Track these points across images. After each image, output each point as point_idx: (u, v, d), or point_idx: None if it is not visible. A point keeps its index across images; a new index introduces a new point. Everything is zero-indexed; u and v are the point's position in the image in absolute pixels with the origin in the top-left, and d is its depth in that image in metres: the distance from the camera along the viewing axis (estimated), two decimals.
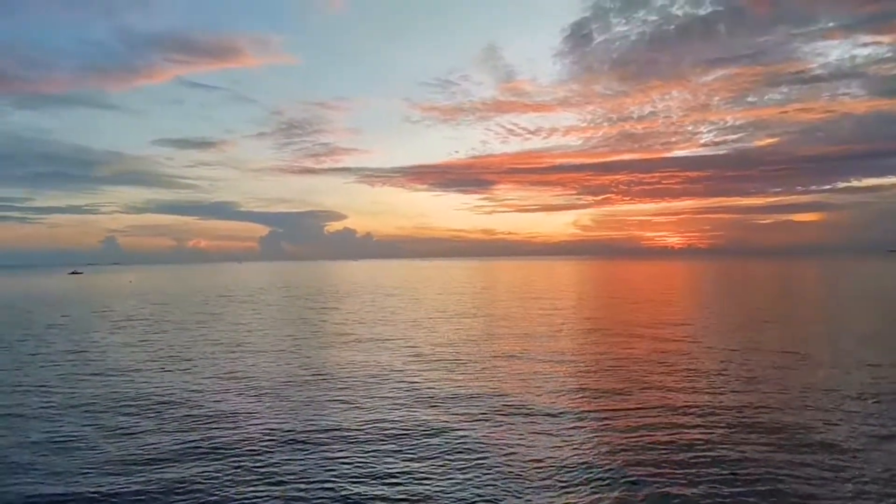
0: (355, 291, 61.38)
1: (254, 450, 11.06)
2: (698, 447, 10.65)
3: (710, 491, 8.95)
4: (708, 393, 14.68)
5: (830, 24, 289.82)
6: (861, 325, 27.47)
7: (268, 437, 11.79)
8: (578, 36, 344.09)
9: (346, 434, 11.97)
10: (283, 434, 12.03)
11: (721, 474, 9.49)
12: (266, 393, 15.70)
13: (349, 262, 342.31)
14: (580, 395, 14.80)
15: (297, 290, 67.60)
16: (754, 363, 18.36)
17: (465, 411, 13.36)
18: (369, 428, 12.30)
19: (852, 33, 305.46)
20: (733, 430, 11.67)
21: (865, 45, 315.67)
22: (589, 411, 13.36)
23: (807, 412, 12.88)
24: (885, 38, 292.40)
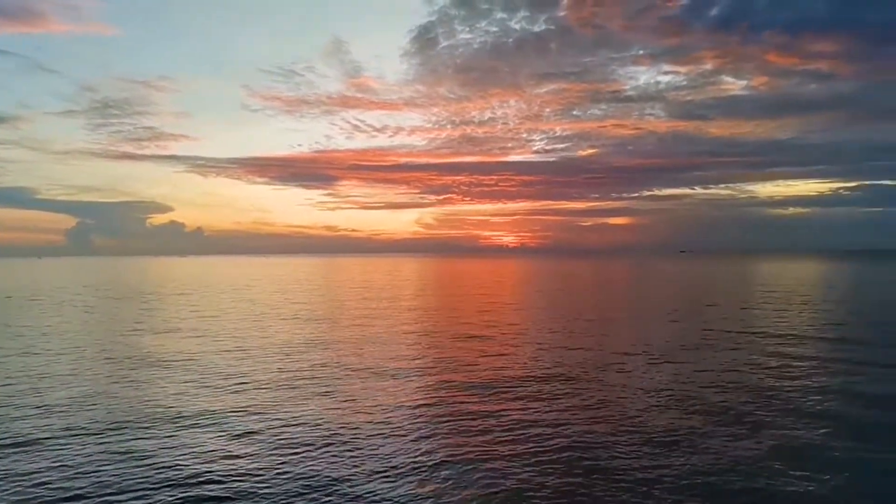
0: (178, 290, 53.15)
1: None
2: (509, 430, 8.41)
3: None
4: (521, 379, 12.78)
5: (640, 52, 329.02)
6: (661, 312, 28.74)
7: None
8: (425, 38, 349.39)
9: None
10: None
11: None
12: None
13: (175, 259, 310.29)
14: (390, 385, 11.93)
15: (104, 289, 56.93)
16: (567, 352, 17.23)
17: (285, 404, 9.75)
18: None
19: (657, 62, 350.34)
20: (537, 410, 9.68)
21: (667, 73, 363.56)
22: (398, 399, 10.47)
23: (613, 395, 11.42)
24: (682, 69, 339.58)
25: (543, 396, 13.84)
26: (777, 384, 14.84)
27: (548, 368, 17.03)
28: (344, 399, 13.70)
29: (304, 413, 12.55)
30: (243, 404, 13.25)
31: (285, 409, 12.81)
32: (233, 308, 35.99)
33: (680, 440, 10.64)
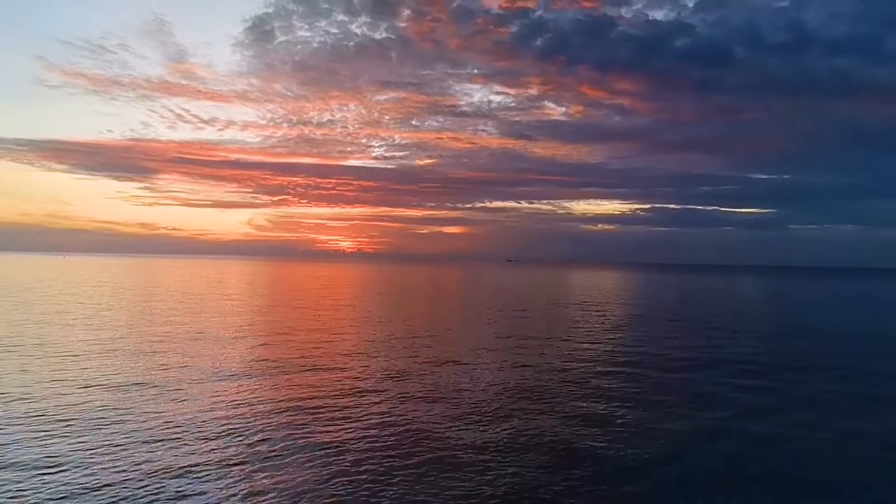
0: None
1: None
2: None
3: None
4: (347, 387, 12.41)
5: (475, 71, 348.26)
6: (482, 314, 30.46)
7: None
8: (260, 31, 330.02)
9: None
10: None
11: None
12: None
13: None
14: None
15: None
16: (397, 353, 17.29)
17: None
18: None
19: (489, 82, 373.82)
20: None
21: (498, 93, 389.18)
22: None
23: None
24: (512, 91, 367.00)
25: (344, 407, 13.84)
26: (545, 383, 16.60)
27: (358, 373, 17.09)
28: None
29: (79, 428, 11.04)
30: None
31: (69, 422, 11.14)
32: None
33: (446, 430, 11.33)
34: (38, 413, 12.03)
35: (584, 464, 9.90)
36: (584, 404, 13.76)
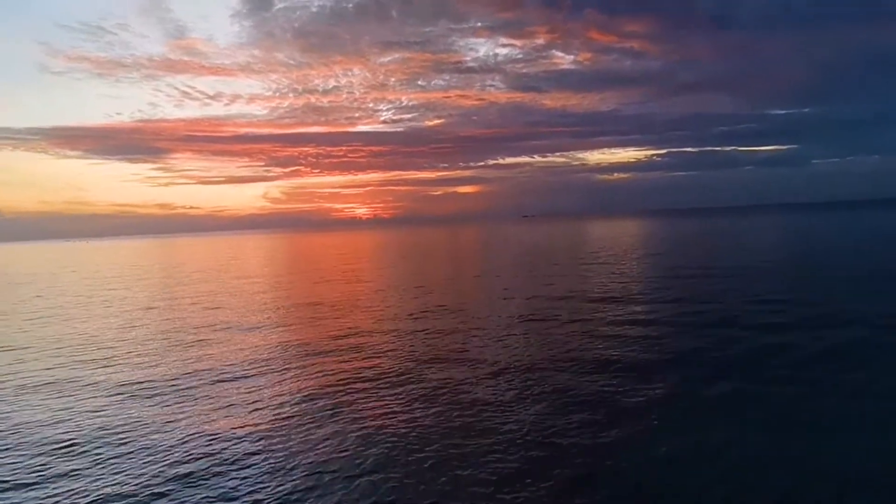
0: None
1: None
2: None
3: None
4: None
5: (479, 24, 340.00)
6: (505, 273, 30.56)
7: None
8: None
9: None
10: None
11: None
12: None
13: None
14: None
15: None
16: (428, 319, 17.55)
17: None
18: None
19: (494, 34, 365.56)
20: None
21: (504, 45, 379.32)
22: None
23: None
24: (518, 42, 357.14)
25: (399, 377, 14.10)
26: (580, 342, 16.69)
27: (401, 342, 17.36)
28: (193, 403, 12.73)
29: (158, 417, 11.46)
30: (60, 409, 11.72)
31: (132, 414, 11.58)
32: (27, 304, 31.37)
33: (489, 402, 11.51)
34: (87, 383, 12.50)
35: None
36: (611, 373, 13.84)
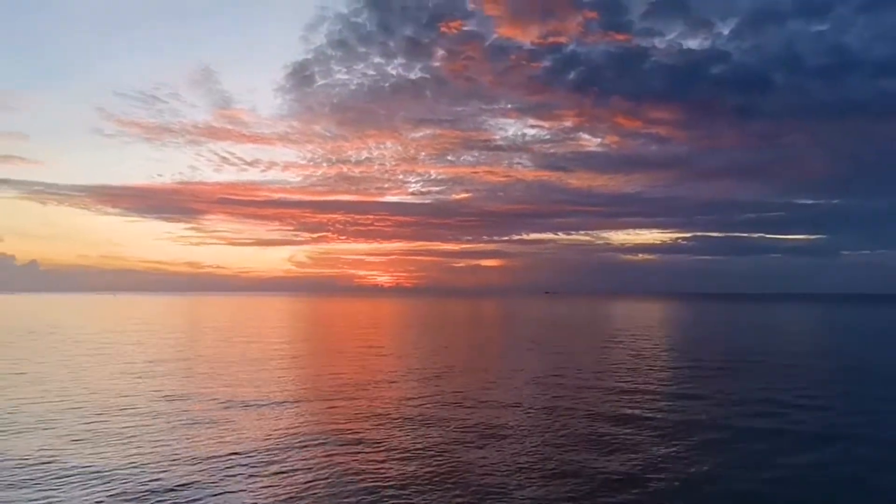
0: None
1: None
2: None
3: None
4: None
5: (509, 106, 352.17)
6: (526, 345, 30.05)
7: None
8: (300, 75, 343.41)
9: None
10: None
11: None
12: None
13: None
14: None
15: None
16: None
17: None
18: None
19: (523, 116, 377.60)
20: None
21: (532, 126, 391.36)
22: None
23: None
24: (546, 124, 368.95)
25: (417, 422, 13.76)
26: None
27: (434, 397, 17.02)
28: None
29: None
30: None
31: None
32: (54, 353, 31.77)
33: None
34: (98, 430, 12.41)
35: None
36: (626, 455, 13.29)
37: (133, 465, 11.33)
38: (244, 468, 11.13)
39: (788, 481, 10.67)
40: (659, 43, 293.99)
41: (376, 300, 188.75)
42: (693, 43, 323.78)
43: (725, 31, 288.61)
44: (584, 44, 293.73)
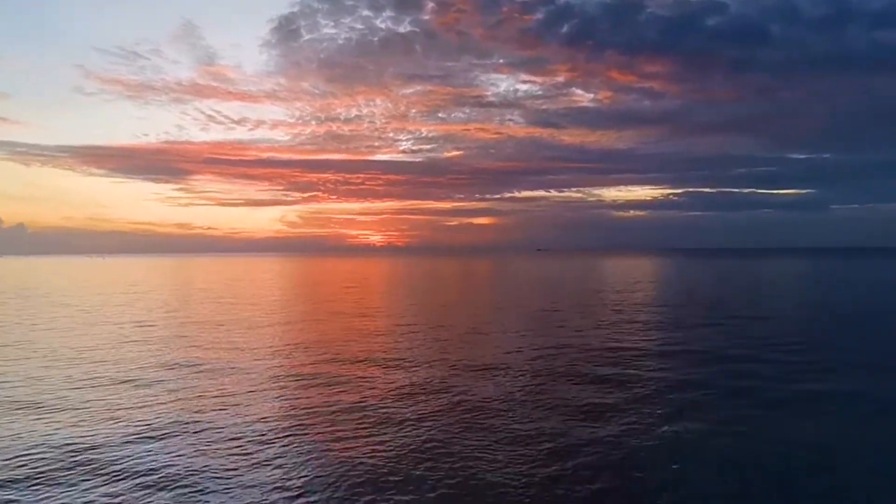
0: None
1: None
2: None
3: None
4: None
5: (500, 61, 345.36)
6: (523, 303, 29.86)
7: None
8: (286, 30, 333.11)
9: None
10: None
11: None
12: None
13: None
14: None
15: None
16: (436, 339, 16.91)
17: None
18: None
19: (515, 71, 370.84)
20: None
21: (524, 81, 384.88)
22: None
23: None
24: (538, 79, 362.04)
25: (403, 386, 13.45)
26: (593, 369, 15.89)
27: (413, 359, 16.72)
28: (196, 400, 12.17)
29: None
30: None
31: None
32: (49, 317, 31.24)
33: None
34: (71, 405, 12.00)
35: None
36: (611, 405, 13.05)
37: (107, 434, 10.94)
38: (218, 434, 10.77)
39: (772, 441, 10.46)
40: None
41: (368, 259, 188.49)
42: None
43: None
44: None
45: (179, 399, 13.36)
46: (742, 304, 33.47)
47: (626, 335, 22.20)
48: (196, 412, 12.24)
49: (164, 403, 12.98)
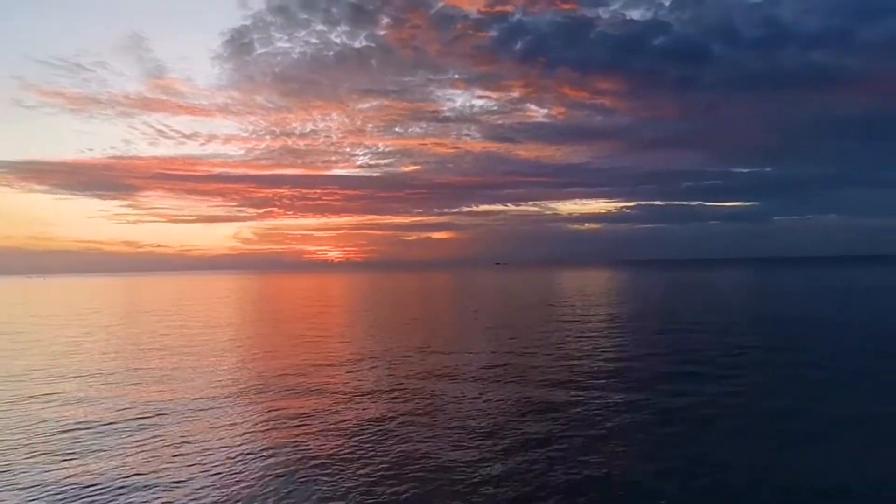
0: None
1: None
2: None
3: None
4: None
5: (456, 76, 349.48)
6: (474, 318, 29.83)
7: None
8: (239, 43, 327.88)
9: None
10: None
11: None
12: None
13: None
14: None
15: None
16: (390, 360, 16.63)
17: None
18: None
19: (471, 86, 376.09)
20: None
21: (480, 97, 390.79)
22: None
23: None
24: (493, 94, 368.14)
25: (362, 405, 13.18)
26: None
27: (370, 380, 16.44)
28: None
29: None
30: None
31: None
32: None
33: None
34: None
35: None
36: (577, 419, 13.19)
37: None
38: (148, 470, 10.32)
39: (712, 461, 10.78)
40: (603, 13, 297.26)
41: (326, 276, 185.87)
42: (636, 13, 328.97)
43: (666, 2, 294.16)
44: (530, 13, 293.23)
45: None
46: (690, 314, 34.53)
47: (575, 351, 22.53)
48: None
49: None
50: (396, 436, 11.81)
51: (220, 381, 17.85)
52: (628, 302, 46.77)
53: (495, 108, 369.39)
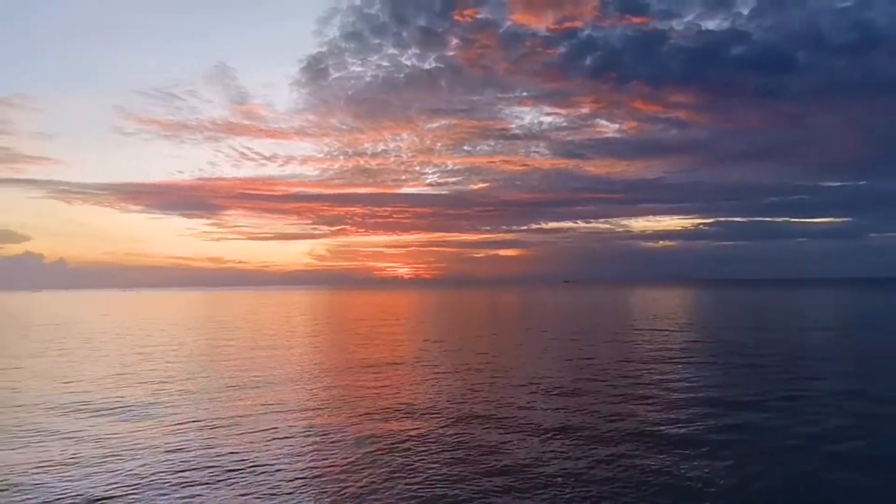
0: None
1: None
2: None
3: None
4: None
5: (524, 94, 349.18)
6: (553, 334, 29.98)
7: None
8: (315, 69, 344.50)
9: None
10: None
11: None
12: None
13: (28, 294, 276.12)
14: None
15: None
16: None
17: None
18: None
19: (539, 103, 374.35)
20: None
21: (549, 114, 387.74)
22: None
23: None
24: (562, 111, 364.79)
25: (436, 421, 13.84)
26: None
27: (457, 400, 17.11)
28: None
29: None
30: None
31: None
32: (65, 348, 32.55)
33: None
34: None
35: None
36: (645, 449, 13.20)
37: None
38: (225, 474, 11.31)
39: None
40: (677, 25, 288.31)
41: (396, 292, 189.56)
42: (712, 24, 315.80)
43: (745, 11, 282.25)
44: (600, 28, 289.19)
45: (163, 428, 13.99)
46: (778, 340, 32.86)
47: (650, 372, 22.15)
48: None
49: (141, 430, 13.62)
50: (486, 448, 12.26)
51: (317, 392, 19.00)
52: (704, 323, 44.98)
53: (564, 124, 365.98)
